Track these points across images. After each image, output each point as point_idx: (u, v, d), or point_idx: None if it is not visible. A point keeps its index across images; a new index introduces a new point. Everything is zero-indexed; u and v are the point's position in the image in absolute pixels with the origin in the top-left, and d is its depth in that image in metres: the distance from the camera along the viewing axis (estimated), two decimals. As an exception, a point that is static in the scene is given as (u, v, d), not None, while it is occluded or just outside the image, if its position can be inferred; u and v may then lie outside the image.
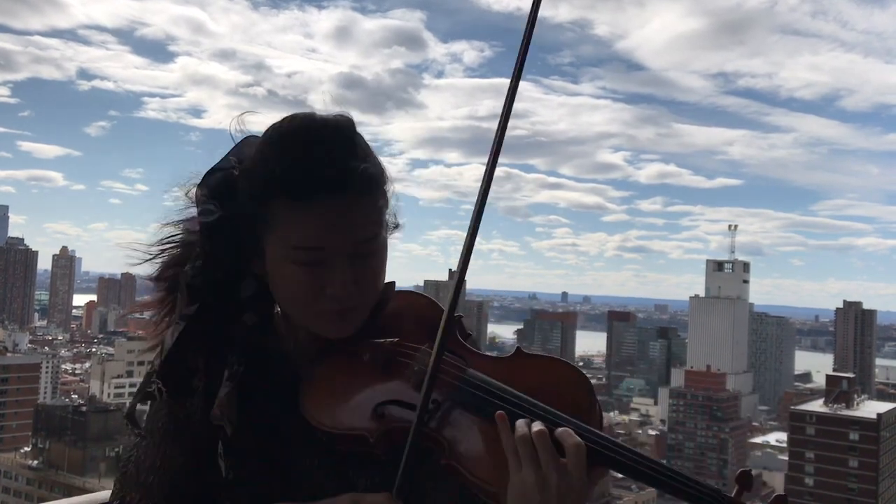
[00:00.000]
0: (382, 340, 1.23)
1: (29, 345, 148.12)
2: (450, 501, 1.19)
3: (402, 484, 1.06)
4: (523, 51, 1.09)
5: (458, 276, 1.11)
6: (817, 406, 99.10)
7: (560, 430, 1.06)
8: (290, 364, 1.24)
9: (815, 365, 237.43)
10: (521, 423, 1.06)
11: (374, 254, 1.18)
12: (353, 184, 1.13)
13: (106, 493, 1.96)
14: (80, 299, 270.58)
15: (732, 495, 1.07)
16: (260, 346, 1.22)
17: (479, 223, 1.07)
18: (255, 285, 1.22)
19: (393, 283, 1.27)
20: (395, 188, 1.23)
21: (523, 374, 1.19)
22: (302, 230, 1.12)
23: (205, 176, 1.22)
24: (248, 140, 1.24)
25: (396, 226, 1.26)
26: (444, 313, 1.11)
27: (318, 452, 1.17)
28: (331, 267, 1.14)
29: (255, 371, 1.21)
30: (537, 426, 1.06)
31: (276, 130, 1.18)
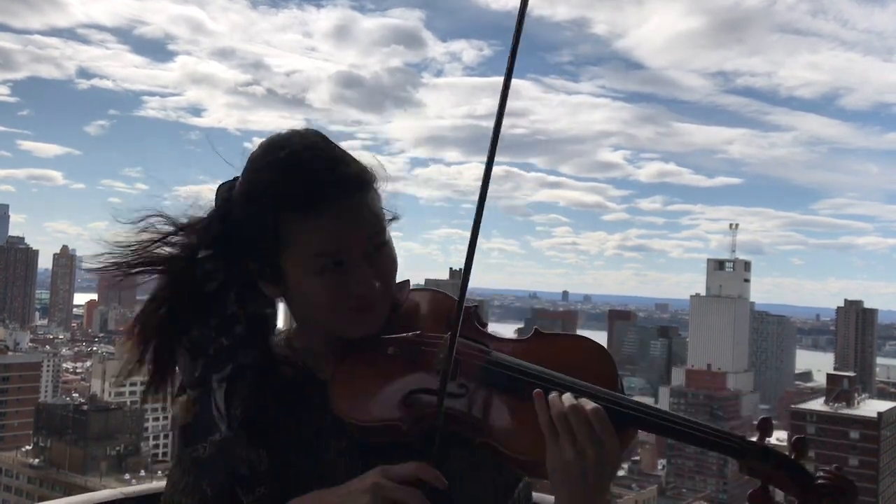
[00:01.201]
0: (404, 335, 1.27)
1: (30, 344, 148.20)
2: (481, 490, 1.24)
3: (432, 460, 1.08)
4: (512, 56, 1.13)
5: (466, 264, 1.13)
6: (818, 405, 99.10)
7: (581, 399, 1.10)
8: (308, 374, 1.28)
9: (816, 364, 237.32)
10: (554, 398, 1.10)
11: (385, 246, 1.24)
12: (352, 186, 1.19)
13: (107, 492, 2.03)
14: (80, 298, 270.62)
15: (755, 439, 1.12)
16: (268, 362, 1.25)
17: (481, 214, 1.10)
18: (245, 326, 1.24)
19: (408, 282, 1.33)
20: (386, 182, 1.27)
21: (545, 351, 1.24)
22: (320, 238, 1.16)
23: (201, 230, 1.26)
24: (221, 187, 1.28)
25: (394, 217, 1.30)
26: (459, 296, 1.15)
27: (347, 449, 1.21)
28: (352, 268, 1.18)
29: (272, 386, 1.24)
30: (568, 399, 1.10)
31: (264, 154, 1.22)
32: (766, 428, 1.11)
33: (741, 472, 1.11)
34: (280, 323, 1.33)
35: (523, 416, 1.14)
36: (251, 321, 1.24)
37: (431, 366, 1.21)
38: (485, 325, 1.31)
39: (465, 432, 1.15)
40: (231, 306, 1.24)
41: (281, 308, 1.31)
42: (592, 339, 1.28)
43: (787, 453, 1.11)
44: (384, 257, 1.23)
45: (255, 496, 1.19)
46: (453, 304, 1.28)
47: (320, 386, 1.24)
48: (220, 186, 1.28)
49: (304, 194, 1.16)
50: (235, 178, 1.27)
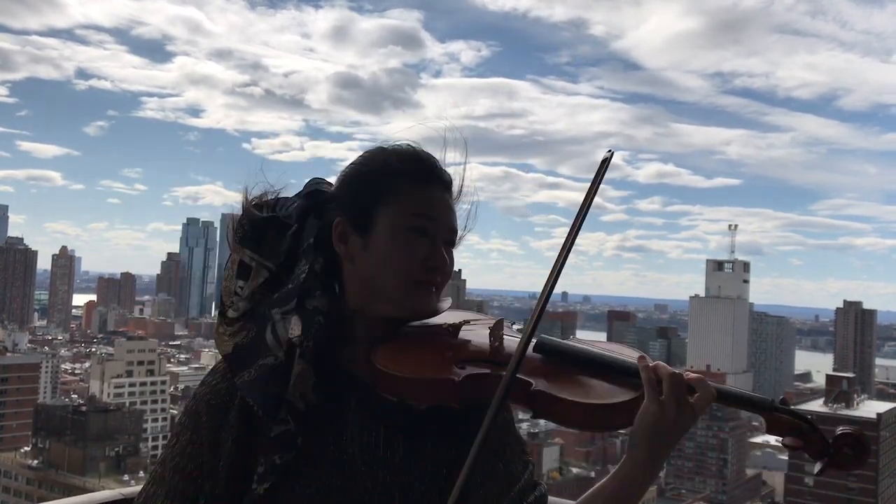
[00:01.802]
0: (452, 322, 1.35)
1: (29, 344, 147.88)
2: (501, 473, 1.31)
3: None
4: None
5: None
6: (817, 406, 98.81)
7: (692, 376, 1.24)
8: (348, 361, 1.32)
9: (815, 365, 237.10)
10: (663, 364, 1.24)
11: (454, 247, 1.37)
12: (450, 186, 1.38)
13: (106, 493, 2.09)
14: (79, 299, 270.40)
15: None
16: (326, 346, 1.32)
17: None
18: (324, 296, 1.32)
19: (449, 298, 1.41)
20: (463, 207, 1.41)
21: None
22: (421, 202, 1.32)
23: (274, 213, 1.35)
24: (316, 180, 1.41)
25: (459, 238, 1.40)
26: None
27: (378, 425, 1.26)
28: (433, 242, 1.31)
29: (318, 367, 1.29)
30: (671, 369, 1.23)
31: (384, 146, 1.39)
32: (786, 402, 1.26)
33: (768, 432, 1.26)
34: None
35: (578, 376, 1.25)
36: (320, 273, 1.32)
37: (485, 344, 1.29)
38: None
39: (519, 395, 1.21)
40: (303, 261, 1.31)
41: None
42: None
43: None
44: (452, 253, 1.35)
45: (290, 438, 1.23)
46: (487, 316, 1.42)
47: (354, 381, 1.29)
48: (312, 179, 1.41)
49: (417, 171, 1.34)
50: (321, 178, 1.42)
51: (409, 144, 1.39)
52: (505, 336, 1.30)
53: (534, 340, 1.28)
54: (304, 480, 1.22)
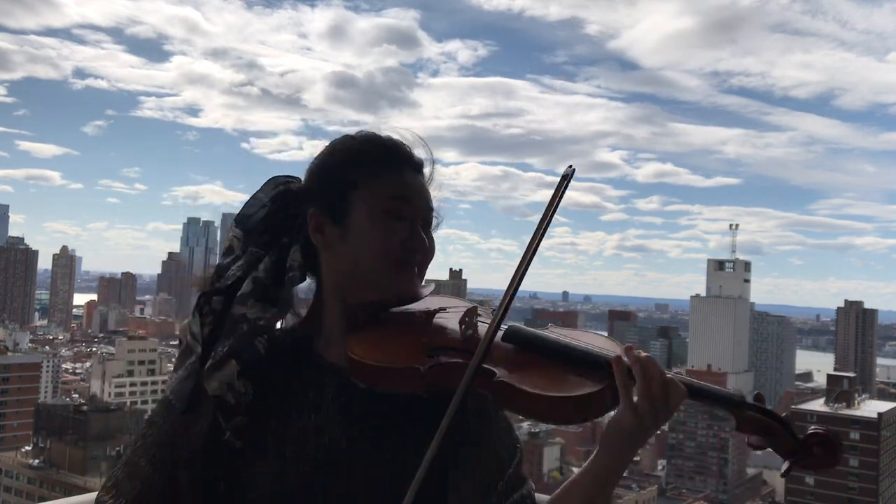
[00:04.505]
0: (427, 309, 1.34)
1: (29, 344, 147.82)
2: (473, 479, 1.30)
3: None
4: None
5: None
6: (818, 405, 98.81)
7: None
8: (319, 351, 1.33)
9: (816, 364, 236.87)
10: (641, 365, 1.18)
11: (431, 228, 1.37)
12: (422, 168, 1.40)
13: None
14: (80, 298, 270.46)
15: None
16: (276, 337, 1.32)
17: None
18: (257, 305, 1.29)
19: (432, 283, 1.39)
20: (439, 189, 1.42)
21: (560, 333, 1.33)
22: (397, 185, 1.33)
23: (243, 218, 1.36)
24: (276, 179, 1.40)
25: (439, 222, 1.41)
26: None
27: (350, 419, 1.26)
28: (410, 224, 1.32)
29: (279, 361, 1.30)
30: (648, 370, 1.18)
31: (354, 135, 1.40)
32: (760, 399, 1.27)
33: (739, 430, 1.25)
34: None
35: (541, 370, 1.21)
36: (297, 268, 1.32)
37: (456, 332, 1.27)
38: None
39: (482, 383, 1.17)
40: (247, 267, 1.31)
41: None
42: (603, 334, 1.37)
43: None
44: (430, 234, 1.36)
45: (234, 425, 1.24)
46: (468, 304, 1.39)
47: (335, 372, 1.29)
48: (272, 179, 1.40)
49: (389, 155, 1.35)
50: (288, 175, 1.41)
51: (373, 132, 1.39)
52: (479, 324, 1.28)
53: (504, 329, 1.27)
54: (270, 467, 1.22)
